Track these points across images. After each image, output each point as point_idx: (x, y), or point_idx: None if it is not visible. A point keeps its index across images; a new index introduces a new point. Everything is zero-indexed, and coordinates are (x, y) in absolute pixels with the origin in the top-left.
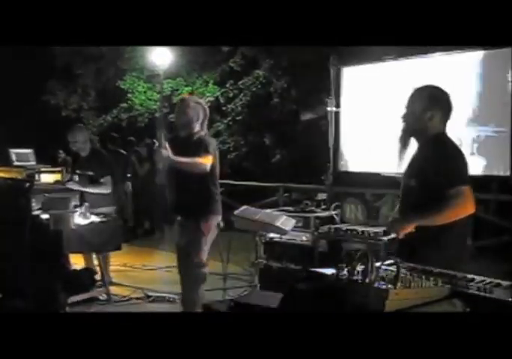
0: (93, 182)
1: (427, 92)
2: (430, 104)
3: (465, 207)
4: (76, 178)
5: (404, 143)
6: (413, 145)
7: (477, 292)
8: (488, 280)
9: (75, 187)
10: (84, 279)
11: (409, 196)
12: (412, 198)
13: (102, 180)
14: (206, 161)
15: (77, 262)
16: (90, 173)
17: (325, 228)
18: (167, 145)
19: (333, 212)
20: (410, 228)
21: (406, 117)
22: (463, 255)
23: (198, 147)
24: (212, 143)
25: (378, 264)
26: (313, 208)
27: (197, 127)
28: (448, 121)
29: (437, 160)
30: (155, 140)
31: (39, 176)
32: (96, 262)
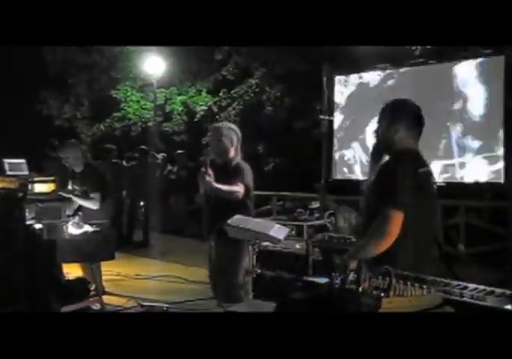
0: (87, 196)
1: (391, 106)
2: (395, 118)
3: (388, 235)
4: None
5: (375, 158)
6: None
7: (470, 300)
8: (481, 287)
9: (66, 194)
10: (78, 289)
11: (366, 209)
12: (367, 212)
13: (91, 195)
14: (241, 189)
15: (72, 271)
16: (85, 188)
17: (318, 236)
18: (210, 171)
19: (327, 221)
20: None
21: (376, 133)
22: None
23: (235, 175)
24: (248, 170)
25: (371, 273)
26: (306, 216)
27: (232, 152)
28: (419, 135)
29: (383, 176)
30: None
31: (32, 186)
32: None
